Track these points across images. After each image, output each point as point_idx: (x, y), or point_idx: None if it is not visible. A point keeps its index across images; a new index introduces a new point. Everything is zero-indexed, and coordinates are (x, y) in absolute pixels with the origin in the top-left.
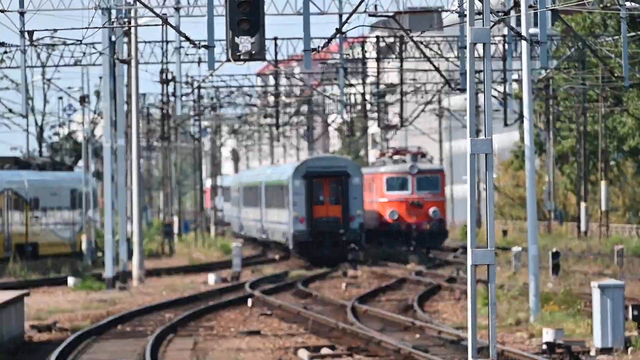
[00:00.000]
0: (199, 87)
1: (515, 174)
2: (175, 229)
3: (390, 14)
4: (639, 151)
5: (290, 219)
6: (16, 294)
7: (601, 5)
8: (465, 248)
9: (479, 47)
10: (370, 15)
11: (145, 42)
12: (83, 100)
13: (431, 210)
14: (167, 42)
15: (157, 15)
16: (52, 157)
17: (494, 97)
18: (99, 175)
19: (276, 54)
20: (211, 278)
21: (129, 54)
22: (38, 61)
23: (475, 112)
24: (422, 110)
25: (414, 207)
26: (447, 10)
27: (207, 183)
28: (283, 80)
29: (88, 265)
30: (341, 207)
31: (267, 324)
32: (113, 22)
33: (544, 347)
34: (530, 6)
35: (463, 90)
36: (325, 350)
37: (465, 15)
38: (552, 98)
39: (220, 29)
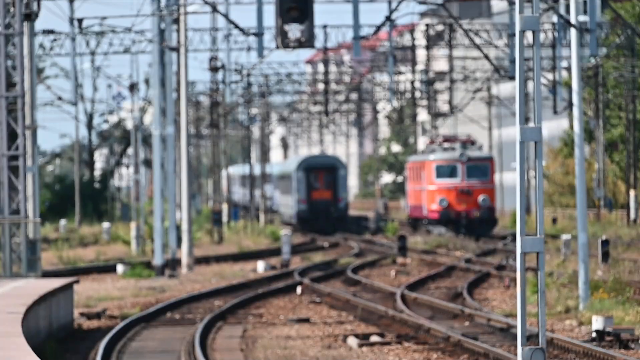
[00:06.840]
0: (248, 75)
1: (564, 161)
2: (225, 217)
3: (440, 2)
4: None
5: (295, 200)
6: (65, 282)
7: None
8: (514, 235)
9: (529, 34)
10: (419, 3)
11: (195, 29)
12: (132, 87)
13: (480, 197)
14: (216, 29)
15: (206, 3)
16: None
17: (544, 84)
18: (148, 163)
19: (325, 41)
20: (260, 266)
21: (178, 42)
22: (87, 49)
23: (525, 100)
24: (472, 98)
25: (463, 195)
26: None
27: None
28: (332, 68)
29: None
30: (331, 192)
31: (316, 312)
32: (162, 9)
33: (593, 334)
34: None
35: (512, 78)
36: (374, 338)
37: (515, 3)
38: (602, 86)
39: (270, 17)
